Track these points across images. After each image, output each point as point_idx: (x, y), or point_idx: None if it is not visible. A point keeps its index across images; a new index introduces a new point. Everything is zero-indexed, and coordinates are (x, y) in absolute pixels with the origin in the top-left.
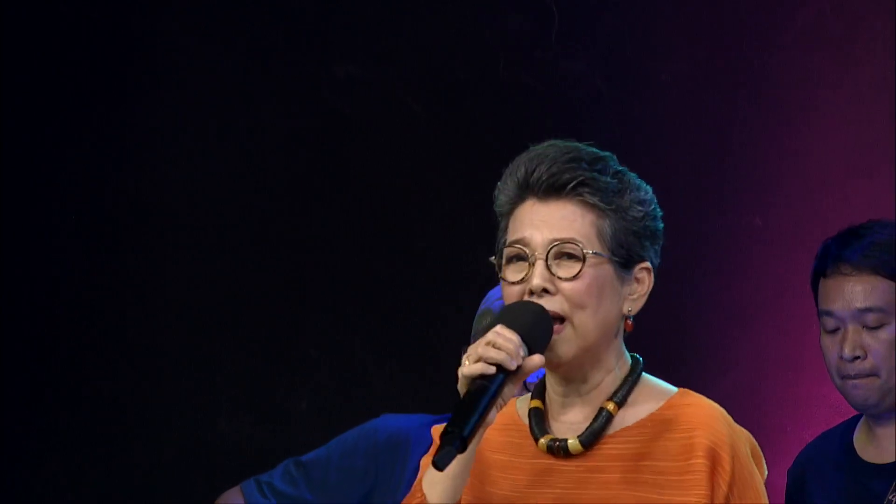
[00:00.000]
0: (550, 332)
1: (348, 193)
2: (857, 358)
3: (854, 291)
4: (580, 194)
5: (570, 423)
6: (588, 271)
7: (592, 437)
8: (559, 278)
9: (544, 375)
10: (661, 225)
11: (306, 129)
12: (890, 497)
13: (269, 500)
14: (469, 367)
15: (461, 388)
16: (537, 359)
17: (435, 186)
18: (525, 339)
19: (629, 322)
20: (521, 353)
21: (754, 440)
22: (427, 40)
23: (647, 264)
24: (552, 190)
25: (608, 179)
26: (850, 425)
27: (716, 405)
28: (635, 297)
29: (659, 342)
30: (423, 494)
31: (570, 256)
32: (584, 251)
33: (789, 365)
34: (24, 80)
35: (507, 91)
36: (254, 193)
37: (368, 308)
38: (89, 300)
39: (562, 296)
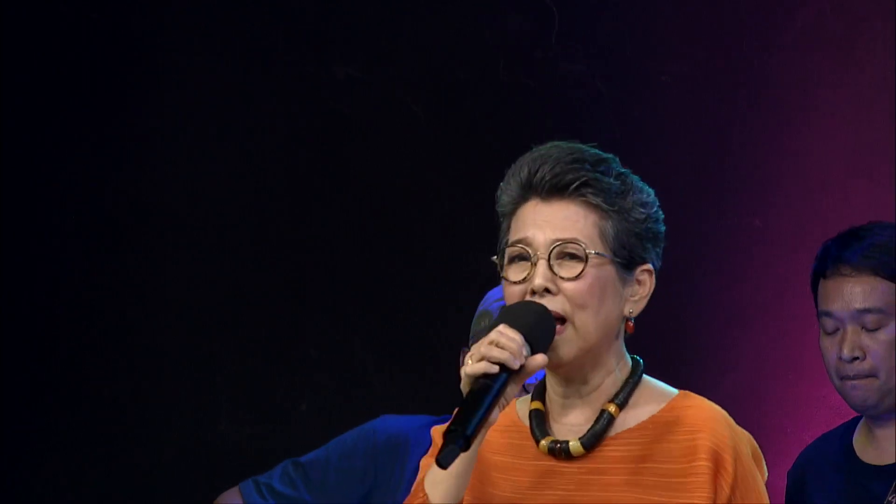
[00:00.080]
0: (553, 332)
1: (348, 193)
2: (856, 359)
3: (853, 292)
4: (583, 195)
5: (570, 424)
6: (590, 272)
7: (594, 439)
8: (561, 278)
9: (544, 377)
10: (663, 227)
11: (306, 129)
12: (889, 498)
13: (268, 500)
14: (472, 366)
15: (464, 387)
16: (540, 358)
17: (435, 186)
18: (527, 338)
19: (630, 323)
20: (524, 352)
21: (755, 442)
22: (427, 41)
23: (649, 266)
24: (555, 190)
25: (611, 181)
26: (849, 427)
27: (717, 407)
28: (636, 298)
29: (659, 343)
30: (426, 494)
31: (573, 257)
32: (587, 251)
33: (789, 366)
34: (24, 80)
35: (507, 91)
36: (254, 193)
37: (368, 308)
38: (89, 300)
39: (563, 296)
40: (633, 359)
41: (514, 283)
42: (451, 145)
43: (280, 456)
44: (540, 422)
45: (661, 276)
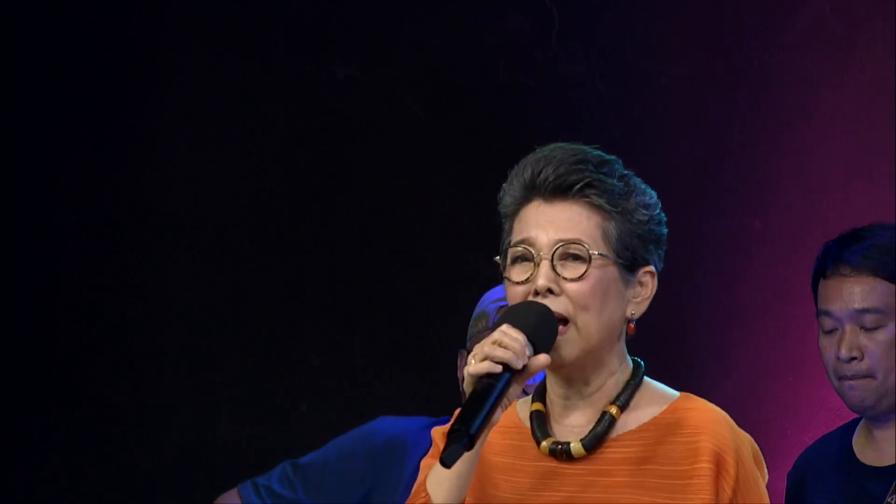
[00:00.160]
0: (555, 333)
1: (348, 193)
2: (854, 359)
3: (853, 292)
4: (587, 196)
5: (572, 426)
6: (593, 272)
7: (595, 441)
8: (564, 279)
9: (544, 378)
10: (666, 230)
11: (306, 130)
12: (889, 499)
13: (266, 502)
14: (475, 365)
15: (467, 386)
16: (543, 358)
17: (435, 187)
18: (530, 338)
19: (632, 325)
20: (527, 352)
21: (756, 444)
22: (427, 41)
23: (651, 268)
24: (559, 191)
25: (615, 182)
26: (849, 428)
27: (718, 409)
28: (639, 300)
29: (659, 344)
30: (427, 494)
31: (576, 257)
32: (590, 252)
33: (789, 368)
34: (24, 80)
35: (507, 92)
36: (254, 193)
37: (368, 309)
38: (89, 300)
39: (566, 297)
40: (633, 361)
41: (517, 283)
42: (451, 145)
43: (280, 456)
44: (541, 423)
45: (661, 277)
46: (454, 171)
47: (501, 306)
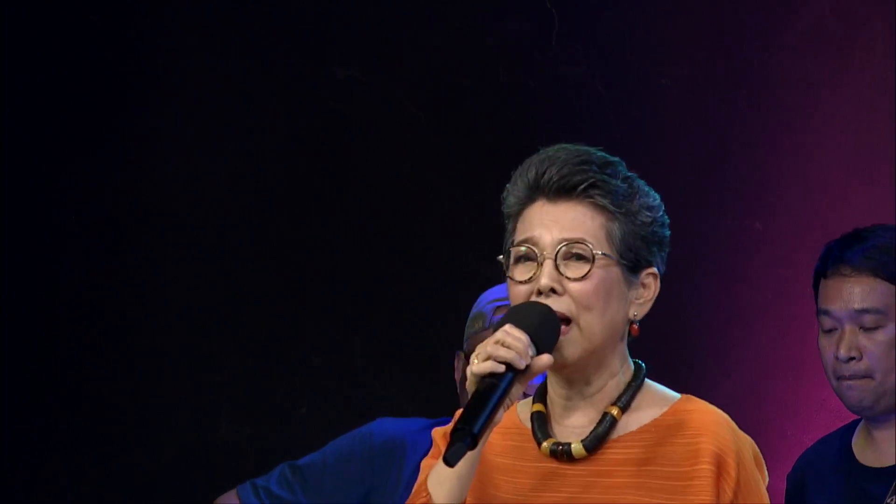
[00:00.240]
0: (558, 333)
1: (348, 194)
2: (853, 359)
3: (853, 292)
4: (591, 196)
5: (573, 427)
6: (596, 272)
7: (596, 442)
8: (567, 279)
9: (545, 379)
10: (668, 232)
11: (306, 130)
12: (888, 500)
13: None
14: (478, 365)
15: (470, 386)
16: (546, 358)
17: (435, 187)
18: (533, 338)
19: (635, 326)
20: (530, 352)
21: (756, 446)
22: (427, 42)
23: (654, 270)
24: (563, 191)
25: (619, 183)
26: (849, 429)
27: (719, 411)
28: (641, 301)
29: (659, 344)
30: (429, 494)
31: (580, 257)
32: (594, 252)
33: (789, 368)
34: (24, 80)
35: (507, 93)
36: (254, 193)
37: (368, 309)
38: (89, 300)
39: (569, 296)
40: (635, 363)
41: (520, 282)
42: (451, 146)
43: (280, 457)
44: (542, 424)
45: (661, 278)
46: (454, 171)
47: (498, 307)
